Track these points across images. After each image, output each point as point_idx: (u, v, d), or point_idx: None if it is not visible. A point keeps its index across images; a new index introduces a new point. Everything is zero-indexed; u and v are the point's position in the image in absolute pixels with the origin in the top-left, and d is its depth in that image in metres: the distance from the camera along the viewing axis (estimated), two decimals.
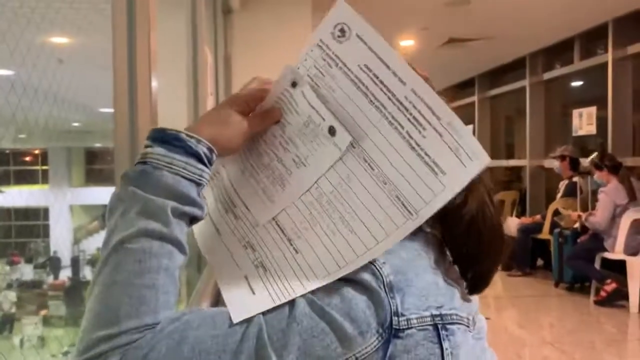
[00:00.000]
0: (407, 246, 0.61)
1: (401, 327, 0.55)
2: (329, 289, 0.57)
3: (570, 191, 5.45)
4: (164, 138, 0.59)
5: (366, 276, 0.57)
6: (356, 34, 0.59)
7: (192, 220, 0.60)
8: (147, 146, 0.59)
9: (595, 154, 4.89)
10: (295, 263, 0.60)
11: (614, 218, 4.61)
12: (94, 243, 15.36)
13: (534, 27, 5.50)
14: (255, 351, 0.53)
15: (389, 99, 0.57)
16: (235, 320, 0.55)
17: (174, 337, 0.53)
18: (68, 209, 15.51)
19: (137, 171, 0.58)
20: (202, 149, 0.60)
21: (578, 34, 5.85)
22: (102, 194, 15.51)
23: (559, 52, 6.44)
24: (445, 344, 0.57)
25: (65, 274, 14.05)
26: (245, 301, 0.59)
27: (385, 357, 0.54)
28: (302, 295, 0.57)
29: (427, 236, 0.64)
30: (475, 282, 0.64)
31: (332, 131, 0.60)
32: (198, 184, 0.59)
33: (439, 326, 0.57)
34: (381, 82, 0.57)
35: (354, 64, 0.59)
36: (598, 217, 4.65)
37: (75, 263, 14.29)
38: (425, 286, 0.59)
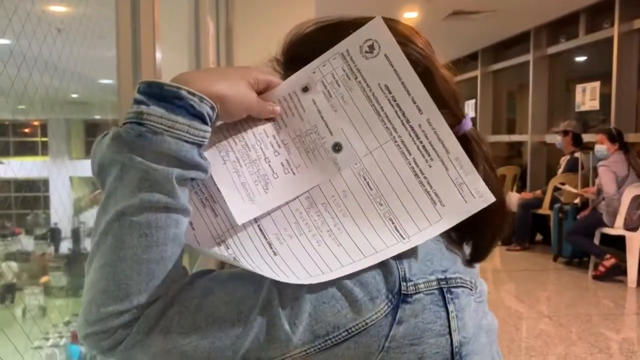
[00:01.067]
0: None
1: (409, 292, 0.56)
2: None
3: (572, 167, 5.45)
4: (162, 95, 0.52)
5: None
6: (385, 54, 0.58)
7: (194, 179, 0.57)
8: (140, 102, 0.52)
9: (612, 127, 4.87)
10: (273, 263, 0.57)
11: (603, 197, 4.62)
12: (94, 215, 15.39)
13: (539, 0, 5.42)
14: (268, 319, 0.53)
15: (402, 123, 0.58)
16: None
17: (185, 305, 0.53)
18: (68, 180, 15.53)
19: (133, 134, 0.51)
20: (205, 109, 0.53)
21: (584, 7, 5.76)
22: None
23: (564, 26, 6.35)
24: (451, 307, 0.58)
25: (65, 245, 14.15)
26: None
27: (394, 322, 0.55)
28: None
29: None
30: (475, 252, 0.64)
31: (337, 148, 0.59)
32: (200, 146, 0.54)
33: (444, 290, 0.58)
34: (398, 105, 0.58)
35: (375, 82, 0.58)
36: (610, 190, 4.58)
37: (75, 234, 14.37)
38: (429, 251, 0.60)
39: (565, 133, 5.48)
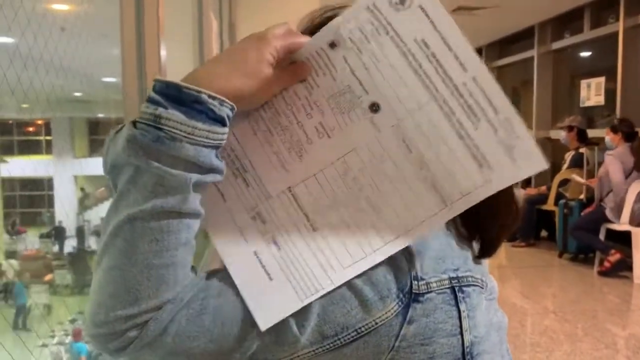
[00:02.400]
0: None
1: (421, 292, 0.55)
2: None
3: (576, 162, 5.42)
4: (181, 99, 0.49)
5: None
6: (420, 5, 0.52)
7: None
8: (156, 102, 0.49)
9: (615, 120, 4.86)
10: (315, 244, 0.55)
11: (608, 192, 4.60)
12: (99, 213, 15.46)
13: None
14: (276, 322, 0.53)
15: (443, 81, 0.52)
16: (262, 328, 0.52)
17: (194, 307, 0.52)
18: (72, 179, 15.57)
19: (150, 137, 0.48)
20: (225, 112, 0.51)
21: (588, 2, 5.73)
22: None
23: (568, 21, 6.32)
24: (462, 306, 0.57)
25: (70, 244, 14.19)
26: (266, 293, 0.54)
27: (405, 321, 0.54)
28: None
29: None
30: (483, 248, 0.63)
31: (374, 108, 0.55)
32: (217, 148, 0.52)
33: (456, 288, 0.58)
34: (438, 62, 0.53)
35: (410, 36, 0.53)
36: (617, 179, 4.55)
37: (80, 233, 14.41)
38: (441, 248, 0.59)
39: (570, 128, 5.45)
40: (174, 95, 0.49)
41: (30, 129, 17.03)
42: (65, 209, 14.60)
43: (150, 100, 0.50)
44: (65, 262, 12.82)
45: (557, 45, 6.59)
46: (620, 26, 5.26)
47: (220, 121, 0.51)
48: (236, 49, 0.54)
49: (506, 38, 7.52)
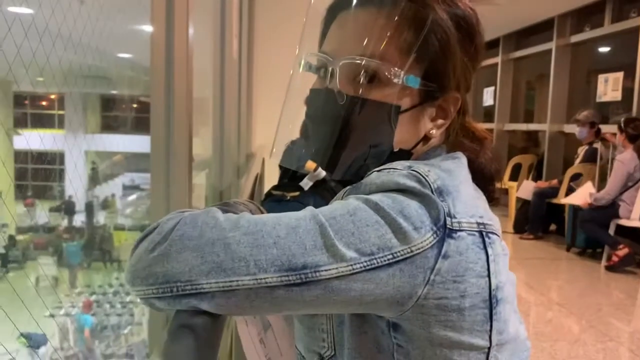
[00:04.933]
0: (447, 159, 0.66)
1: (454, 228, 0.57)
2: (380, 194, 0.57)
3: (589, 157, 5.40)
4: None
5: (414, 183, 0.57)
6: None
7: None
8: None
9: (624, 116, 4.83)
10: None
11: (626, 188, 4.59)
12: (108, 189, 15.58)
13: None
14: (316, 240, 0.54)
15: None
16: None
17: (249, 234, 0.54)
18: (84, 154, 15.66)
19: None
20: None
21: None
22: (117, 141, 15.61)
23: (589, 14, 6.24)
24: (489, 250, 0.59)
25: (79, 219, 14.33)
26: None
27: (440, 255, 0.55)
28: (355, 196, 0.58)
29: (460, 157, 0.68)
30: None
31: None
32: None
33: (484, 233, 0.59)
34: None
35: None
36: (607, 190, 4.63)
37: (89, 208, 14.54)
38: (469, 194, 0.62)
39: (592, 125, 5.40)
40: None
41: (44, 102, 17.12)
42: (75, 184, 14.72)
43: None
44: (74, 236, 12.96)
45: (576, 38, 6.52)
46: None
47: None
48: None
49: (524, 29, 7.44)
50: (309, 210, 0.57)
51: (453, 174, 0.62)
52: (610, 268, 4.57)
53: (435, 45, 0.65)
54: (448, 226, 0.56)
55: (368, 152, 0.66)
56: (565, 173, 5.67)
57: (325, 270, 0.53)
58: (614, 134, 4.83)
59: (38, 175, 16.16)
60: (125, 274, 0.56)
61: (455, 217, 0.57)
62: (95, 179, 15.85)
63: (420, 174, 0.58)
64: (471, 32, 0.69)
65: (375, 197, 0.56)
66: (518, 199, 6.13)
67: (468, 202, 0.60)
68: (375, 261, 0.54)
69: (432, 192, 0.57)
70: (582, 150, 5.57)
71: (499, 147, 7.66)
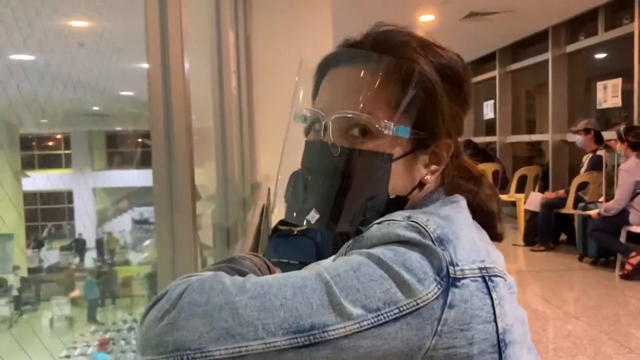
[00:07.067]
0: (445, 204, 0.67)
1: (457, 277, 0.57)
2: (382, 247, 0.58)
3: (594, 165, 5.38)
4: None
5: (413, 234, 0.58)
6: None
7: None
8: None
9: (623, 126, 4.81)
10: None
11: (635, 194, 4.56)
12: (118, 225, 15.63)
13: None
14: (323, 300, 0.54)
15: None
16: None
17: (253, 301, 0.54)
18: (91, 192, 15.78)
19: None
20: None
21: (602, 4, 5.70)
22: (124, 177, 15.74)
23: (582, 23, 6.29)
24: (494, 295, 0.59)
25: (90, 256, 14.37)
26: None
27: (446, 305, 0.56)
28: (358, 251, 0.59)
29: (458, 200, 0.70)
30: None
31: None
32: None
33: (486, 278, 0.60)
34: None
35: None
36: (616, 199, 4.62)
37: (100, 245, 14.59)
38: (469, 240, 0.62)
39: (587, 131, 5.41)
40: None
41: (50, 143, 17.32)
42: (84, 222, 14.80)
43: None
44: (86, 274, 12.97)
45: (571, 47, 6.56)
46: (635, 27, 5.22)
47: None
48: None
49: (519, 42, 7.50)
50: (314, 269, 0.58)
51: (452, 220, 0.63)
52: (625, 277, 4.52)
53: (422, 96, 0.67)
54: (451, 275, 0.57)
55: (366, 204, 0.67)
56: (571, 182, 5.64)
57: (334, 330, 0.53)
58: (616, 141, 4.82)
59: (48, 215, 16.28)
60: (136, 342, 0.57)
61: (457, 265, 0.58)
62: (104, 215, 15.92)
63: (419, 224, 0.59)
64: (457, 79, 0.71)
65: (377, 251, 0.57)
66: (526, 211, 6.10)
67: (469, 248, 0.61)
68: (382, 317, 0.54)
69: (432, 241, 0.58)
70: (586, 159, 5.56)
71: (503, 159, 7.66)
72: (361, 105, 0.66)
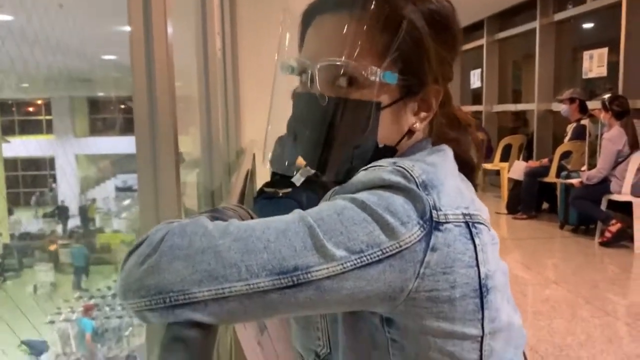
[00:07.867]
0: (432, 153, 0.67)
1: (440, 221, 0.57)
2: (366, 192, 0.58)
3: (578, 134, 5.43)
4: None
5: (398, 178, 0.58)
6: None
7: None
8: None
9: (608, 95, 4.84)
10: None
11: (617, 163, 4.63)
12: (100, 192, 15.50)
13: None
14: (306, 242, 0.55)
15: None
16: None
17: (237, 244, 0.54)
18: (74, 158, 15.57)
19: None
20: None
21: None
22: (106, 144, 15.53)
23: None
24: (477, 240, 0.60)
25: (73, 223, 14.28)
26: None
27: (428, 248, 0.56)
28: (342, 196, 0.59)
29: (445, 149, 0.70)
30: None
31: None
32: None
33: (470, 224, 0.60)
34: None
35: None
36: (598, 168, 4.68)
37: (83, 212, 14.49)
38: (454, 187, 0.62)
39: (572, 100, 5.44)
40: None
41: (31, 108, 16.96)
42: (67, 189, 14.65)
43: None
44: (69, 241, 12.90)
45: (559, 16, 6.53)
46: None
47: None
48: None
49: (508, 10, 7.44)
50: (297, 212, 0.57)
51: (438, 167, 0.64)
52: (604, 244, 4.62)
53: (408, 41, 0.66)
54: (434, 219, 0.57)
55: (353, 153, 0.67)
56: (555, 151, 5.70)
57: (317, 271, 0.53)
58: (600, 110, 4.86)
59: (29, 181, 16.06)
60: (117, 287, 0.56)
61: (441, 210, 0.58)
62: (87, 182, 15.76)
63: (405, 169, 0.59)
64: (446, 24, 0.69)
65: (361, 196, 0.57)
66: (510, 180, 6.16)
67: (453, 194, 0.61)
68: (365, 258, 0.54)
69: (417, 186, 0.58)
70: (570, 128, 5.60)
71: (489, 129, 7.69)
72: (347, 52, 0.65)
